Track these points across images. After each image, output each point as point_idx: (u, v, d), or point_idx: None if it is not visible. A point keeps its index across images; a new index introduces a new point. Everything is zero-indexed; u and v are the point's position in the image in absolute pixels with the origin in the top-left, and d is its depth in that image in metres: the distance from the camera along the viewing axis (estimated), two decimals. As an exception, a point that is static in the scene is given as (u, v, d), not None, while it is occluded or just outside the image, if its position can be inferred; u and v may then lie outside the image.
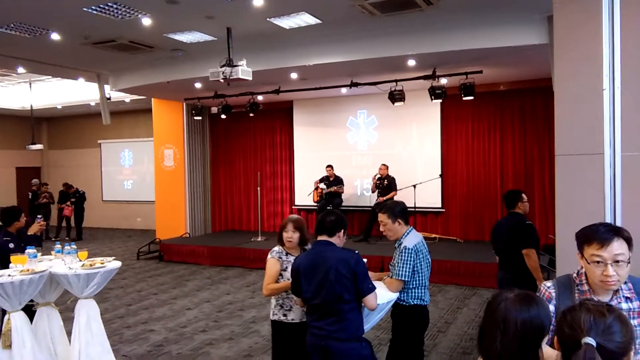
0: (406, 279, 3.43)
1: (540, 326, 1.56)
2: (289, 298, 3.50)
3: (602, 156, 3.19)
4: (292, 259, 3.53)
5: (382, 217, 3.59)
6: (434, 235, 10.00)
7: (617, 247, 1.95)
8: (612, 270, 1.94)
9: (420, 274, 3.48)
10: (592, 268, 1.98)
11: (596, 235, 1.98)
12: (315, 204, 10.72)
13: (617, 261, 1.95)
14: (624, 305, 2.04)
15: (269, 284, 3.49)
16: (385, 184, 9.88)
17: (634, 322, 2.01)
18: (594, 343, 1.39)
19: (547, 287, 2.16)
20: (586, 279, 2.09)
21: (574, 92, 3.36)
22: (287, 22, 6.90)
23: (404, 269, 3.42)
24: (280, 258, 3.55)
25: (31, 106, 13.71)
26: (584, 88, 3.29)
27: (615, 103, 3.17)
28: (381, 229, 3.65)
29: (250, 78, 6.83)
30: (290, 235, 3.55)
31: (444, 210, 10.43)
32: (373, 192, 10.12)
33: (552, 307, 2.08)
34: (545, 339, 1.58)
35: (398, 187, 9.83)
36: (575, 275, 2.15)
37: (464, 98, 8.54)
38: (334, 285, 2.97)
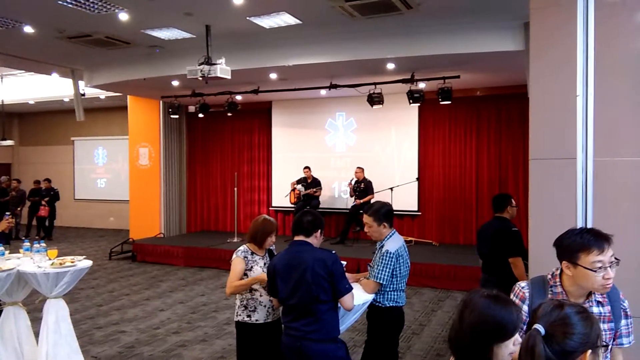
0: (384, 282, 3.43)
1: (499, 325, 1.54)
2: (253, 299, 3.47)
3: (574, 161, 3.24)
4: (257, 258, 3.53)
5: (367, 219, 3.56)
6: (410, 238, 10.05)
7: (611, 249, 2.00)
8: (612, 272, 1.99)
9: (399, 278, 3.48)
10: (594, 274, 1.98)
11: (592, 242, 2.00)
12: (293, 206, 10.68)
13: (611, 263, 2.00)
14: (595, 309, 2.08)
15: (232, 282, 3.46)
16: (362, 187, 9.91)
17: (604, 326, 2.06)
18: (541, 329, 1.40)
19: (522, 288, 2.19)
20: (560, 281, 2.12)
21: (548, 98, 3.41)
22: (267, 22, 6.87)
23: (383, 272, 3.41)
24: (246, 257, 3.50)
25: (2, 101, 13.34)
26: (558, 94, 3.34)
27: (588, 109, 3.23)
28: (365, 229, 3.63)
29: (229, 77, 6.76)
30: (274, 239, 3.57)
31: (420, 213, 10.51)
32: (351, 196, 10.14)
33: (525, 307, 2.11)
34: (510, 341, 1.56)
35: (375, 190, 9.87)
36: (549, 276, 2.18)
37: (442, 102, 8.63)
38: (310, 285, 2.95)
